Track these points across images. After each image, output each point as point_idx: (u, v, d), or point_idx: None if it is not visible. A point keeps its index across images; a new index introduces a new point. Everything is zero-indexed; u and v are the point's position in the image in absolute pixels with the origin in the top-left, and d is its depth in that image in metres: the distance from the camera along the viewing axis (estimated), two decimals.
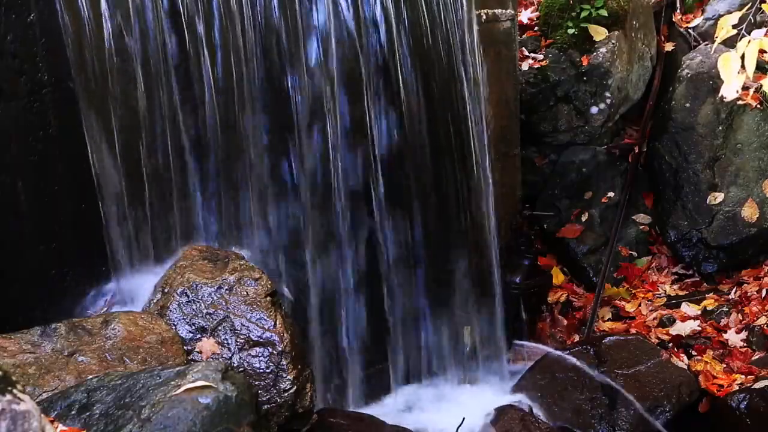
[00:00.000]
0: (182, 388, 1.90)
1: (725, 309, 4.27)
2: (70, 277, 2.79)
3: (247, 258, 2.84)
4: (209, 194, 3.05)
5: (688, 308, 4.33)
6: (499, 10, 3.98)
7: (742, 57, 2.56)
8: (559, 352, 3.84)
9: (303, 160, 3.20)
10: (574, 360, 3.72)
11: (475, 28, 3.56)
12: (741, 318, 4.19)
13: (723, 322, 4.20)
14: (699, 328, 4.18)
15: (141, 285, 2.83)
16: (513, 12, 4.06)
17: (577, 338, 4.30)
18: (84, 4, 2.64)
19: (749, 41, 2.56)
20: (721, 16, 3.34)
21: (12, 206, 2.63)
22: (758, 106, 4.54)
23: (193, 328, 2.61)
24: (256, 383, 2.50)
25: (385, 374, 3.64)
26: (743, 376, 3.75)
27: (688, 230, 4.60)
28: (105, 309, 2.80)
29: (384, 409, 3.53)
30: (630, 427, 3.48)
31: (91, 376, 2.23)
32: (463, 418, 3.35)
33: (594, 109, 4.73)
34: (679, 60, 4.91)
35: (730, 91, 2.61)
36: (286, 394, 2.55)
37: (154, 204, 2.92)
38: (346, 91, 3.24)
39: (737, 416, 3.45)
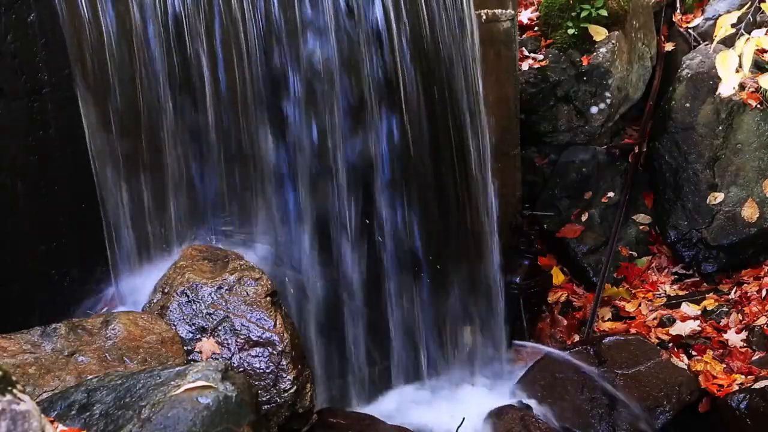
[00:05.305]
0: (182, 388, 1.90)
1: (725, 309, 4.27)
2: (71, 277, 2.79)
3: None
4: (211, 194, 3.05)
5: (688, 308, 4.32)
6: (499, 10, 3.98)
7: (740, 55, 2.56)
8: (559, 352, 3.83)
9: (304, 150, 3.21)
10: (574, 360, 3.71)
11: (475, 28, 3.56)
12: (741, 318, 4.19)
13: (723, 322, 4.20)
14: (699, 328, 4.17)
15: (141, 285, 2.83)
16: (513, 12, 4.06)
17: (577, 338, 4.29)
18: (84, 4, 2.64)
19: (747, 39, 2.57)
20: (721, 16, 3.34)
21: (12, 206, 2.64)
22: (758, 105, 4.53)
23: (193, 328, 2.61)
24: (256, 383, 2.50)
25: (386, 374, 3.64)
26: (743, 376, 3.74)
27: (688, 230, 4.59)
28: (105, 309, 2.80)
29: (384, 409, 3.53)
30: (630, 427, 3.47)
31: (91, 376, 2.23)
32: (463, 418, 3.35)
33: (594, 109, 4.73)
34: (679, 60, 4.90)
35: (727, 88, 2.62)
36: (286, 394, 2.55)
37: (155, 204, 2.92)
38: (346, 91, 3.24)
39: (737, 416, 3.45)
